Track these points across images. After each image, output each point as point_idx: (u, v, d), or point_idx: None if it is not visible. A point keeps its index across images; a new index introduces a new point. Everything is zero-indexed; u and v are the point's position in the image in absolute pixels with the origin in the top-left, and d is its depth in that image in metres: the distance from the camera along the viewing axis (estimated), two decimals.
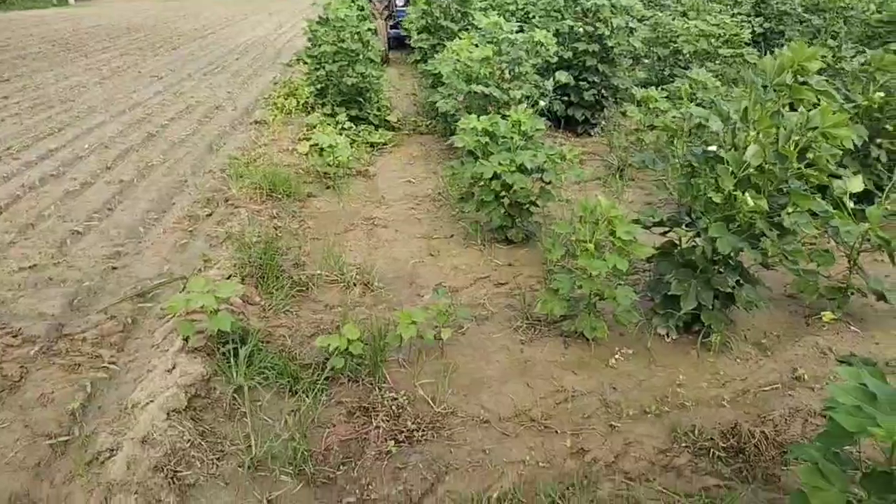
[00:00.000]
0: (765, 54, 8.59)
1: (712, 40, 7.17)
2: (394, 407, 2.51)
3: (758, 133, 2.72)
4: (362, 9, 7.71)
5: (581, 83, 6.24)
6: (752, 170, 2.70)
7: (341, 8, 6.23)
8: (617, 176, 5.18)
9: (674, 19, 8.11)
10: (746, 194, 2.62)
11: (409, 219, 4.51)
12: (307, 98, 7.17)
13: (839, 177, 3.06)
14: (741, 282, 2.89)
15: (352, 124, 6.27)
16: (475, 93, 4.99)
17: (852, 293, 3.11)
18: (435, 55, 6.63)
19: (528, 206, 4.01)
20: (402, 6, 10.08)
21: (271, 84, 9.39)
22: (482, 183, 3.91)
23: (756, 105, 2.79)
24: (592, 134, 6.59)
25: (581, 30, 6.14)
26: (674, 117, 5.28)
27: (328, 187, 5.10)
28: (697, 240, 2.97)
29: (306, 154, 5.67)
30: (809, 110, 2.68)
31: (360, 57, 6.31)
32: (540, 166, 3.84)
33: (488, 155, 3.87)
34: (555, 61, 5.68)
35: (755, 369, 2.80)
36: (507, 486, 2.16)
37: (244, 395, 2.47)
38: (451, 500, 2.12)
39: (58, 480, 2.17)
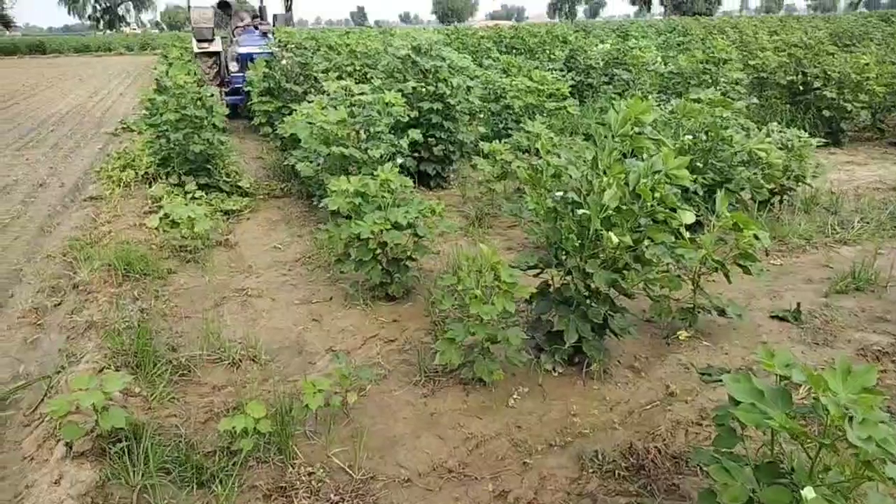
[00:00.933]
0: (581, 104, 9.63)
1: (538, 95, 7.89)
2: (312, 482, 2.45)
3: (612, 178, 3.09)
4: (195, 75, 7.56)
5: (429, 139, 6.56)
6: (611, 211, 3.05)
7: (180, 75, 6.06)
8: (476, 225, 5.49)
9: (501, 77, 8.82)
10: (610, 233, 2.95)
11: (283, 285, 4.43)
12: (147, 168, 6.81)
13: (675, 210, 3.54)
14: (611, 312, 3.21)
15: (202, 193, 6.05)
16: (334, 154, 5.07)
17: (699, 312, 3.57)
18: (282, 118, 6.64)
19: (405, 261, 4.13)
20: (238, 72, 9.91)
21: (99, 155, 8.77)
22: (358, 243, 3.97)
23: (606, 153, 3.16)
24: (444, 187, 6.92)
25: (424, 90, 6.50)
26: (518, 167, 5.75)
27: (188, 261, 4.86)
28: (568, 278, 3.26)
29: (157, 228, 5.37)
30: (651, 156, 3.10)
31: (206, 123, 6.15)
32: (412, 222, 4.00)
33: (362, 215, 3.95)
34: (404, 120, 5.95)
35: (634, 391, 3.10)
36: None
37: (149, 495, 2.28)
38: None
39: None
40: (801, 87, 8.58)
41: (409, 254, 4.13)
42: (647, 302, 3.57)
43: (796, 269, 4.52)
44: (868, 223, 5.25)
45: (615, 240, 2.91)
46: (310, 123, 5.27)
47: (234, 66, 10.15)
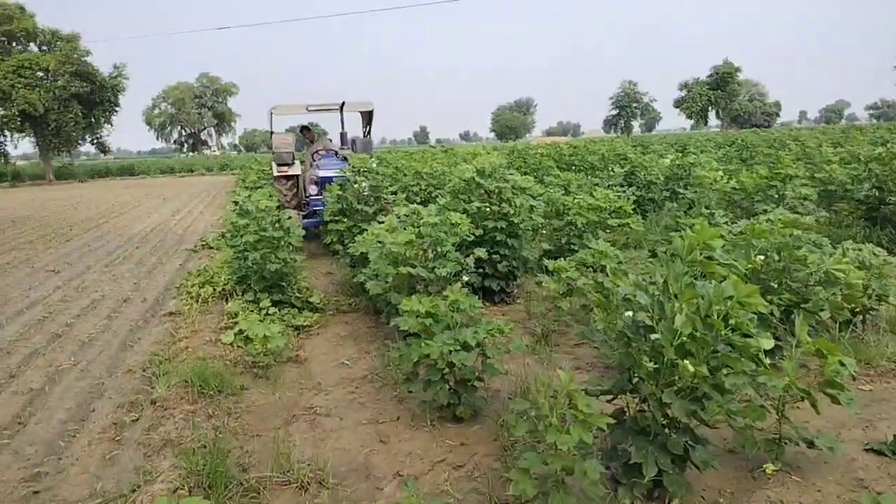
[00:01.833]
0: (643, 219, 9.67)
1: (600, 212, 8.00)
2: None
3: (682, 304, 3.06)
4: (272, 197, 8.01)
5: (494, 256, 6.69)
6: (685, 338, 2.99)
7: (262, 199, 6.48)
8: (542, 343, 5.44)
9: (562, 195, 9.04)
10: (686, 361, 2.88)
11: (351, 403, 4.45)
12: (225, 285, 7.15)
13: (751, 336, 3.44)
14: (692, 443, 3.07)
15: (275, 309, 6.28)
16: (402, 273, 5.23)
17: (786, 443, 3.36)
18: (353, 237, 6.93)
19: (473, 381, 4.11)
20: (317, 195, 10.11)
21: (180, 271, 9.27)
22: (427, 362, 4.00)
23: (675, 279, 3.15)
24: (508, 302, 6.96)
25: (489, 209, 6.71)
26: (584, 284, 5.76)
27: (260, 377, 4.98)
28: (644, 405, 3.17)
29: (231, 344, 5.56)
30: (721, 282, 3.07)
31: (282, 243, 6.48)
32: (480, 342, 4.01)
33: (431, 335, 4.00)
34: (469, 239, 6.12)
35: None
36: None
37: None
38: None
39: None
40: (876, 202, 8.41)
41: (476, 374, 4.11)
42: (729, 431, 3.40)
43: (889, 396, 4.24)
44: None
45: (691, 369, 2.84)
46: (380, 243, 5.49)
47: (312, 190, 10.37)
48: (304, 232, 7.03)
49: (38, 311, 7.13)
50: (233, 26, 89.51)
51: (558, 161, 16.30)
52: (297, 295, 6.71)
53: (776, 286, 4.64)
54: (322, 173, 10.26)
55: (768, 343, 3.37)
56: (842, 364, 3.31)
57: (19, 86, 40.51)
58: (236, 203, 6.99)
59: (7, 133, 44.39)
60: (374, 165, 8.52)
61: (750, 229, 4.82)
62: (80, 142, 47.15)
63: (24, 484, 3.41)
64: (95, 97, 44.39)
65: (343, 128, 12.62)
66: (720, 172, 9.23)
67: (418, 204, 7.49)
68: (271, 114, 11.45)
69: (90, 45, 46.00)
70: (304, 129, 12.66)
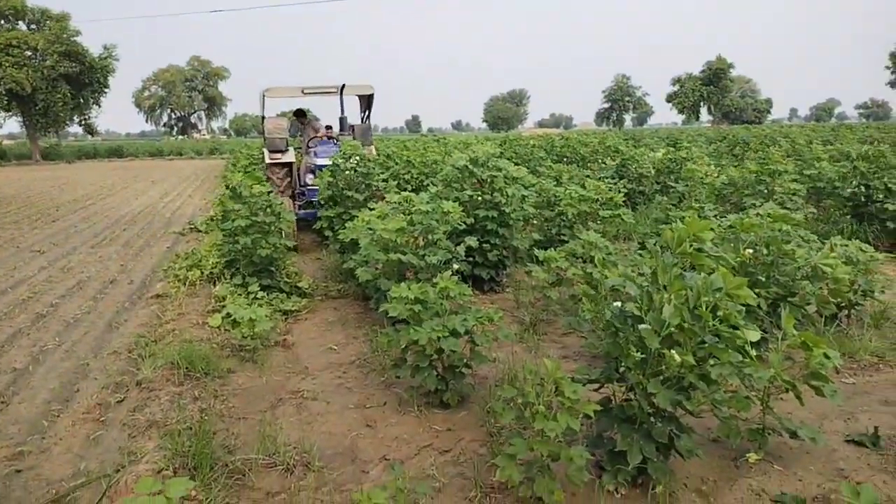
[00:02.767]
0: (633, 211, 9.70)
1: (591, 203, 8.01)
2: None
3: (670, 295, 3.07)
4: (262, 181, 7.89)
5: (484, 245, 6.68)
6: (672, 328, 3.01)
7: (255, 184, 6.44)
8: (531, 331, 5.46)
9: (554, 186, 9.04)
10: (673, 351, 2.89)
11: (338, 388, 4.45)
12: (213, 268, 7.11)
13: (737, 328, 3.47)
14: (676, 431, 3.09)
15: (264, 293, 6.25)
16: (392, 260, 5.21)
17: (769, 433, 3.40)
18: (343, 223, 6.90)
19: (460, 368, 4.12)
20: (314, 185, 9.19)
21: (167, 254, 9.21)
22: (416, 348, 4.00)
23: (664, 270, 3.16)
24: (498, 291, 6.97)
25: (480, 198, 6.71)
26: (574, 275, 5.77)
27: (247, 360, 4.96)
28: (630, 394, 3.19)
29: (219, 327, 5.53)
30: (710, 273, 3.09)
31: (272, 228, 6.45)
32: (469, 329, 4.01)
33: (420, 321, 4.00)
34: (461, 227, 6.11)
35: None
36: None
37: None
38: None
39: None
40: (863, 199, 8.48)
41: (465, 361, 4.12)
42: (714, 420, 3.43)
43: (871, 389, 4.30)
44: None
45: (678, 359, 2.86)
46: (370, 230, 5.47)
47: (309, 178, 9.74)
48: (293, 216, 6.96)
49: (22, 291, 7.07)
50: (224, 10, 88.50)
51: (550, 152, 16.30)
52: (286, 280, 6.69)
53: (764, 279, 4.67)
54: (320, 161, 9.51)
55: (755, 335, 3.39)
56: (826, 357, 3.34)
57: (7, 64, 39.91)
58: (227, 187, 6.91)
59: None
60: (373, 155, 8.24)
61: (739, 223, 4.84)
62: (67, 122, 46.57)
63: (7, 462, 3.39)
64: (84, 78, 43.81)
65: (343, 112, 11.49)
66: (711, 166, 9.27)
67: (409, 192, 7.46)
68: (263, 96, 10.58)
69: (80, 25, 45.20)
70: (299, 114, 11.77)
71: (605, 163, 12.29)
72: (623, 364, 3.21)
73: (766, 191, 8.03)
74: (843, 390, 4.20)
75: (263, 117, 10.71)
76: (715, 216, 6.00)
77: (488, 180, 6.77)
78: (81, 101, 45.21)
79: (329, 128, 11.12)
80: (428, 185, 8.59)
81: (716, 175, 8.59)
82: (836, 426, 3.78)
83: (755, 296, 4.55)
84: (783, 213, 4.88)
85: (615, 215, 7.87)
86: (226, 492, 3.11)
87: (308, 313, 6.26)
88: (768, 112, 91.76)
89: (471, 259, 6.78)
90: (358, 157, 7.73)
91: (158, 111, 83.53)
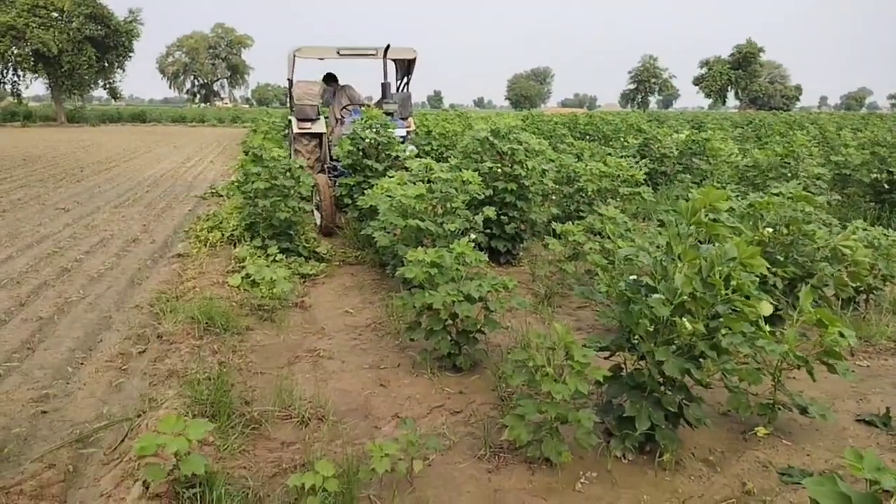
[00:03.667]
0: (655, 191, 9.63)
1: (612, 180, 7.97)
2: None
3: (684, 264, 3.08)
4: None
5: (502, 217, 6.70)
6: (685, 297, 3.02)
7: (274, 148, 6.48)
8: (545, 303, 5.49)
9: (575, 162, 9.00)
10: (684, 319, 2.91)
11: (353, 349, 4.53)
12: (233, 231, 7.20)
13: (750, 297, 3.47)
14: (686, 401, 3.12)
15: (282, 256, 6.33)
16: (410, 226, 5.25)
17: (779, 408, 3.42)
18: (362, 191, 6.93)
19: (474, 333, 4.17)
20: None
21: (189, 216, 9.33)
22: (430, 312, 4.05)
23: (678, 240, 3.16)
24: (514, 264, 6.99)
25: (500, 170, 6.70)
26: (590, 248, 5.78)
27: (265, 320, 5.05)
28: (641, 362, 3.22)
29: (238, 287, 5.63)
30: (724, 244, 3.09)
31: (292, 192, 6.51)
32: (483, 295, 4.06)
33: (436, 286, 4.05)
34: (479, 198, 6.12)
35: (709, 486, 2.96)
36: None
37: None
38: None
39: None
40: (885, 186, 8.35)
41: (478, 327, 4.16)
42: (725, 394, 3.45)
43: (885, 373, 4.29)
44: None
45: (689, 327, 2.88)
46: (389, 197, 5.50)
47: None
48: (312, 180, 6.95)
49: (47, 246, 7.22)
50: None
51: (573, 130, 16.16)
52: (305, 244, 6.76)
53: (782, 258, 4.65)
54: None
55: (767, 308, 3.40)
56: (841, 335, 3.34)
57: (33, 25, 40.19)
58: (246, 153, 6.96)
59: (20, 73, 44.17)
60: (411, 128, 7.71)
61: (759, 202, 4.80)
62: (92, 85, 46.94)
63: (33, 404, 3.51)
64: (109, 41, 44.03)
65: (386, 77, 9.26)
66: (735, 148, 9.16)
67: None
68: (293, 57, 9.08)
69: None
70: (330, 79, 10.01)
71: (627, 141, 12.15)
72: (635, 333, 3.24)
73: (789, 174, 7.93)
74: (857, 372, 4.19)
75: (291, 81, 9.37)
76: (737, 196, 5.95)
77: (509, 153, 6.75)
78: (106, 64, 45.52)
79: (368, 99, 10.01)
80: (448, 157, 8.55)
81: (740, 157, 8.47)
82: (848, 406, 3.79)
83: (772, 275, 4.57)
84: (805, 194, 4.84)
85: (635, 193, 7.83)
86: (242, 439, 3.21)
87: (326, 278, 6.33)
88: (797, 99, 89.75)
89: (488, 231, 6.80)
90: (378, 126, 7.72)
91: (182, 78, 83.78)
